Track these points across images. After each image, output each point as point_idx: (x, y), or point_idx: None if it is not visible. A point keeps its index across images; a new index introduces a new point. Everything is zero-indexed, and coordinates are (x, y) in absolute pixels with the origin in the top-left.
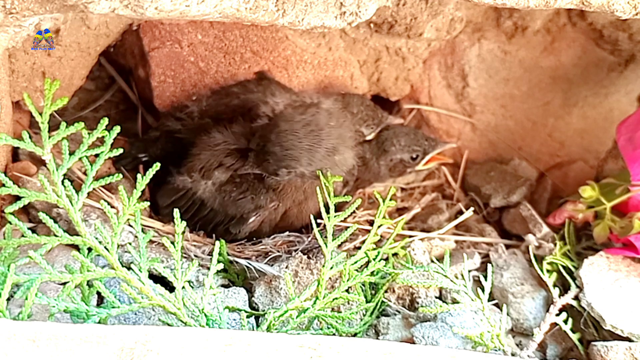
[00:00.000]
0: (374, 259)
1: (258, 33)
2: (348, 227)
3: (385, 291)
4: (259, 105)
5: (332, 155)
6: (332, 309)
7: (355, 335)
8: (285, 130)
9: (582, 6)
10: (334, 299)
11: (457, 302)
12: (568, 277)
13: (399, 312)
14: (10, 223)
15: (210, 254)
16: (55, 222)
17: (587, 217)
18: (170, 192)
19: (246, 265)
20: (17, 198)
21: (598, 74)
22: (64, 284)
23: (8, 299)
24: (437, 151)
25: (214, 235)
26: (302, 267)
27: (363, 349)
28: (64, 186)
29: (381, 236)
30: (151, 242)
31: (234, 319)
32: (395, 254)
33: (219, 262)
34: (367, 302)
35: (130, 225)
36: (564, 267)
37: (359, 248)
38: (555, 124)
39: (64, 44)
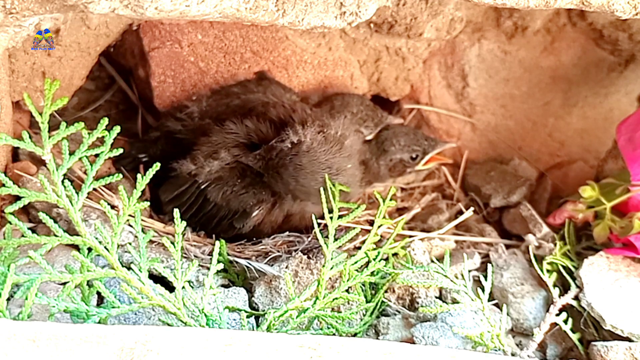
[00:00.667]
0: (374, 259)
1: (258, 33)
2: (349, 227)
3: (385, 291)
4: (286, 131)
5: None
6: (332, 309)
7: (355, 335)
8: (305, 169)
9: (582, 6)
10: (334, 299)
11: (457, 302)
12: (568, 277)
13: (399, 312)
14: (10, 223)
15: (210, 254)
16: (55, 222)
17: (587, 217)
18: (173, 186)
19: (246, 265)
20: (17, 198)
21: (598, 74)
22: (64, 284)
23: (8, 299)
24: (437, 151)
25: (214, 235)
26: (302, 267)
27: (363, 349)
28: (64, 186)
29: (381, 236)
30: (151, 242)
31: (234, 319)
32: (395, 254)
33: (219, 262)
34: (367, 302)
35: (130, 225)
36: (564, 267)
37: (359, 248)
38: (555, 124)
39: (64, 44)
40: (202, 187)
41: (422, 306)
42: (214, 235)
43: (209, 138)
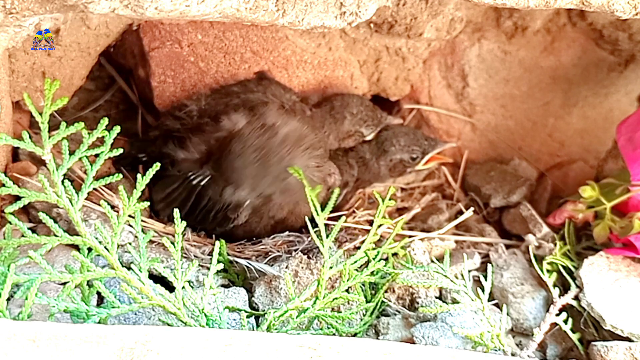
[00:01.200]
0: (373, 259)
1: (258, 33)
2: (347, 226)
3: (385, 291)
4: (221, 119)
5: (284, 179)
6: (332, 309)
7: (355, 335)
8: (235, 152)
9: (582, 6)
10: (334, 299)
11: (457, 302)
12: (568, 277)
13: (399, 312)
14: (10, 223)
15: (210, 254)
16: (55, 222)
17: (587, 217)
18: (164, 185)
19: (246, 265)
20: (17, 198)
21: (598, 74)
22: (64, 284)
23: (8, 299)
24: (437, 151)
25: (213, 235)
26: (302, 267)
27: (363, 349)
28: (64, 186)
29: (381, 236)
30: (151, 242)
31: (234, 319)
32: (395, 254)
33: (219, 262)
34: (367, 302)
35: (130, 225)
36: (564, 267)
37: (359, 248)
38: (555, 124)
39: (64, 44)
40: (194, 182)
41: (422, 306)
42: (213, 236)
43: (203, 134)
